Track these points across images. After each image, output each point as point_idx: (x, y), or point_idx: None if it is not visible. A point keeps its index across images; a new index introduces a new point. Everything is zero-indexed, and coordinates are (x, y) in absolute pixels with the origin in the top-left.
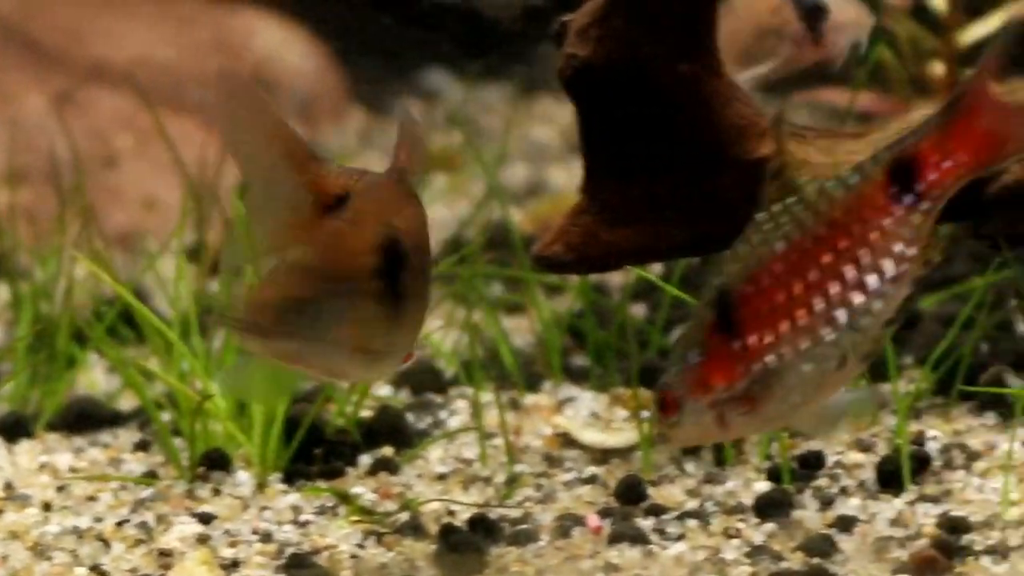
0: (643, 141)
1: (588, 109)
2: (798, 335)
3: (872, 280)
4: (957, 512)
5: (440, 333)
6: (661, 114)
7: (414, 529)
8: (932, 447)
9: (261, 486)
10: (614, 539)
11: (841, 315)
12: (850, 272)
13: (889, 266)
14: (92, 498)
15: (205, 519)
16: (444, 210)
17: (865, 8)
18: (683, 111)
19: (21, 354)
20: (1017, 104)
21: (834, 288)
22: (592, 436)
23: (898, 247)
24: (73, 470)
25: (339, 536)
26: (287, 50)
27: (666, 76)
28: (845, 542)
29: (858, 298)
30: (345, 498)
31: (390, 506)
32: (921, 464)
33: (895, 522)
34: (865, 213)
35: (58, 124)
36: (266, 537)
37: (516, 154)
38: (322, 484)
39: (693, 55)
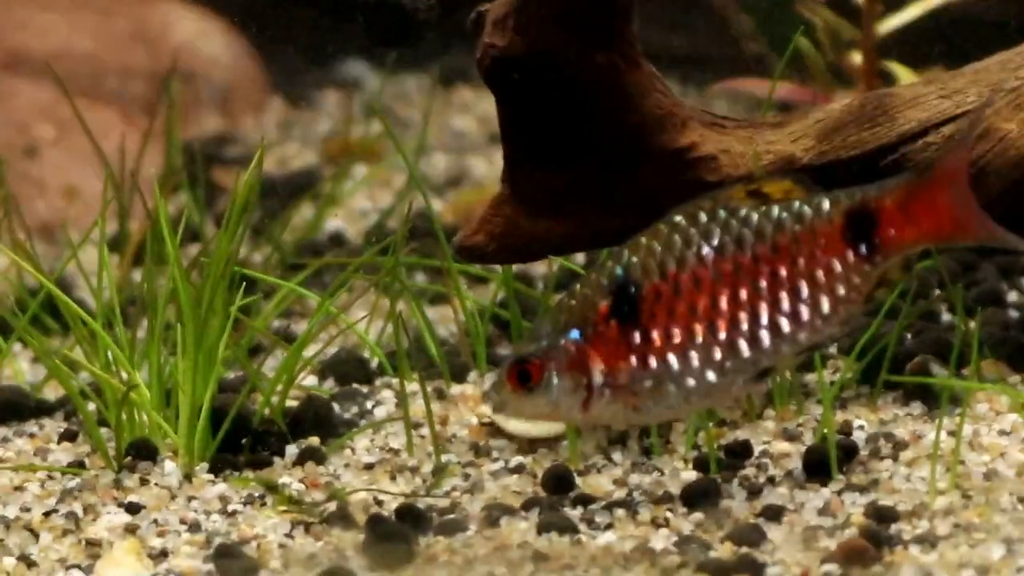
0: (563, 131)
1: (507, 99)
2: (714, 344)
3: (805, 312)
4: (885, 501)
5: (364, 323)
6: (580, 104)
7: (342, 519)
8: (859, 436)
9: (188, 476)
10: (542, 528)
11: (765, 337)
12: (786, 299)
13: (826, 304)
14: (19, 488)
15: (133, 509)
16: (365, 201)
17: None
18: (602, 101)
19: None
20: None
21: (765, 309)
22: (518, 426)
23: (841, 289)
24: None
25: (267, 526)
26: (205, 40)
27: (584, 66)
28: (773, 531)
29: (787, 325)
30: (273, 488)
31: (318, 496)
32: (848, 454)
33: (823, 511)
34: (816, 249)
35: None
36: (194, 527)
37: (437, 144)
38: (249, 474)
39: (610, 45)
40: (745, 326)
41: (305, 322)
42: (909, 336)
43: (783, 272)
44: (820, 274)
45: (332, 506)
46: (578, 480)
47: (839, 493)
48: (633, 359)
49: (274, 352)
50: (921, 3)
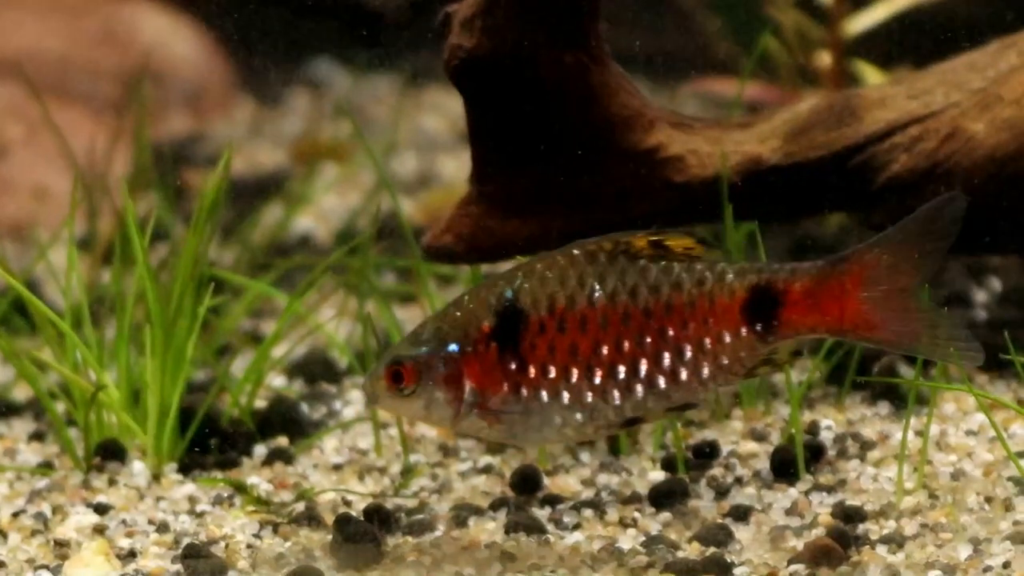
0: (530, 132)
1: (475, 100)
2: (587, 387)
3: (684, 373)
4: (852, 501)
5: (333, 324)
6: (547, 104)
7: (310, 519)
8: (826, 437)
9: (157, 476)
10: (510, 528)
11: (639, 390)
12: (667, 357)
13: (706, 370)
14: None
15: (101, 509)
16: (335, 200)
17: None
18: (569, 101)
19: None
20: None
21: (644, 364)
22: None
23: (725, 359)
24: None
25: (235, 526)
26: (174, 40)
27: (551, 67)
28: (741, 531)
29: (663, 383)
30: (241, 488)
31: (286, 496)
32: (815, 454)
33: (790, 511)
34: (711, 317)
35: None
36: (162, 527)
37: (405, 144)
38: (218, 474)
39: (578, 45)
40: (622, 376)
41: (274, 322)
42: None
43: (671, 332)
44: (707, 342)
45: (300, 506)
46: (546, 480)
47: (806, 493)
48: (505, 385)
49: (243, 352)
50: (888, 3)
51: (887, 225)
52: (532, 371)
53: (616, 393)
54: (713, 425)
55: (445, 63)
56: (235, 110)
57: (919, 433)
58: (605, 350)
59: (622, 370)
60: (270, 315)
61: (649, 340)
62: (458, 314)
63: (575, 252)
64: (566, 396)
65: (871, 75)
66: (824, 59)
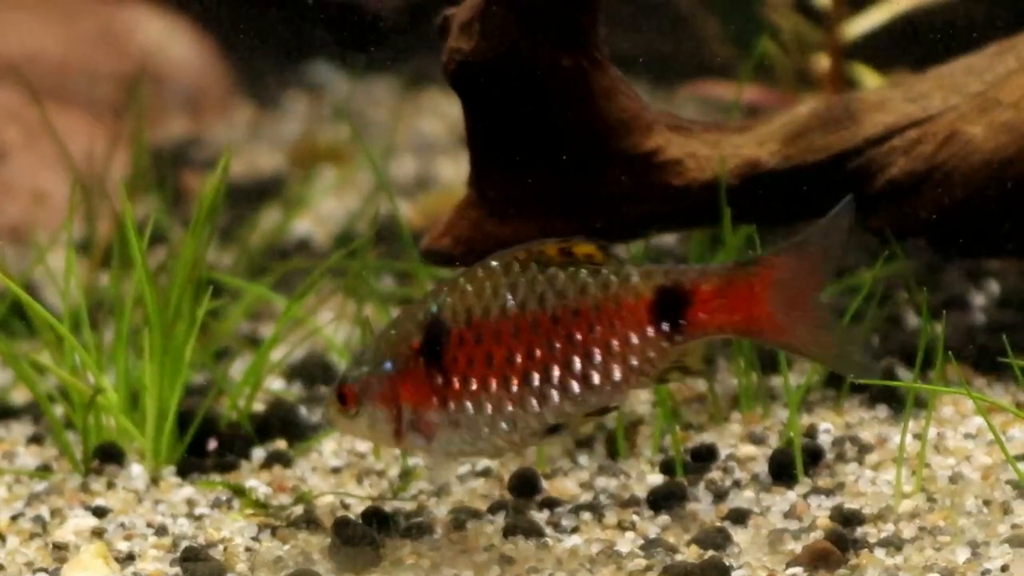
0: (529, 135)
1: (473, 103)
2: (506, 396)
3: (596, 377)
4: (850, 504)
5: (332, 327)
6: (545, 108)
7: (309, 522)
8: (824, 440)
9: (155, 479)
10: (509, 532)
11: (555, 396)
12: (577, 362)
13: (617, 373)
14: None
15: (100, 512)
16: (333, 203)
17: None
18: (567, 105)
19: None
20: (809, 310)
21: (557, 370)
22: None
23: (634, 361)
24: None
25: (234, 529)
26: (172, 44)
27: (549, 70)
28: (739, 535)
29: (577, 388)
30: (239, 491)
31: (284, 499)
32: (814, 457)
33: (789, 515)
34: (617, 320)
35: None
36: (161, 530)
37: (404, 147)
38: (216, 478)
39: (576, 49)
40: (536, 383)
41: (272, 325)
42: (875, 340)
43: (579, 336)
44: (615, 344)
45: (299, 509)
46: (544, 483)
47: (805, 496)
48: (434, 399)
49: (241, 355)
50: (887, 7)
51: (885, 229)
52: (456, 384)
53: (534, 400)
54: (711, 428)
55: (444, 66)
56: (233, 113)
57: (917, 436)
58: (519, 358)
59: (536, 377)
60: (269, 318)
61: (559, 346)
62: (393, 332)
63: (493, 264)
64: (488, 407)
65: (869, 79)
66: (822, 62)
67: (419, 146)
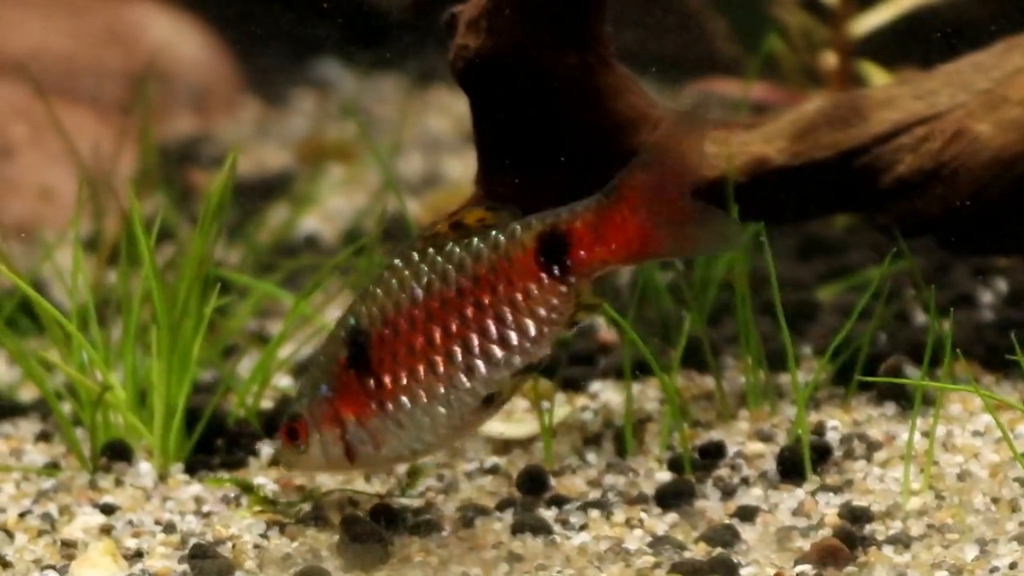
0: (536, 132)
1: (480, 100)
2: (435, 380)
3: (513, 336)
4: (859, 502)
5: None
6: (553, 105)
7: (317, 519)
8: (832, 437)
9: (163, 477)
10: (517, 529)
11: (480, 365)
12: (492, 327)
13: (532, 327)
14: None
15: (108, 510)
16: (341, 201)
17: None
18: (574, 102)
19: None
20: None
21: (475, 339)
22: (493, 427)
23: (541, 311)
24: None
25: (242, 526)
26: (180, 41)
27: (556, 67)
28: (747, 532)
29: (499, 352)
30: (247, 488)
31: (292, 496)
32: (822, 454)
33: (797, 512)
34: (513, 275)
35: None
36: (169, 528)
37: (411, 145)
38: (224, 474)
39: (583, 46)
40: (460, 358)
41: (280, 323)
42: (882, 337)
43: (485, 301)
44: (519, 299)
45: (307, 506)
46: (553, 481)
47: (813, 494)
48: (373, 405)
49: (249, 353)
50: (894, 4)
51: (893, 226)
52: (387, 382)
53: (463, 376)
54: (719, 426)
55: (451, 63)
56: (241, 110)
57: (925, 434)
58: (438, 338)
59: (458, 352)
60: (276, 315)
61: (470, 314)
62: (322, 357)
63: (395, 261)
64: (422, 394)
65: (877, 76)
66: (830, 60)
67: (426, 143)
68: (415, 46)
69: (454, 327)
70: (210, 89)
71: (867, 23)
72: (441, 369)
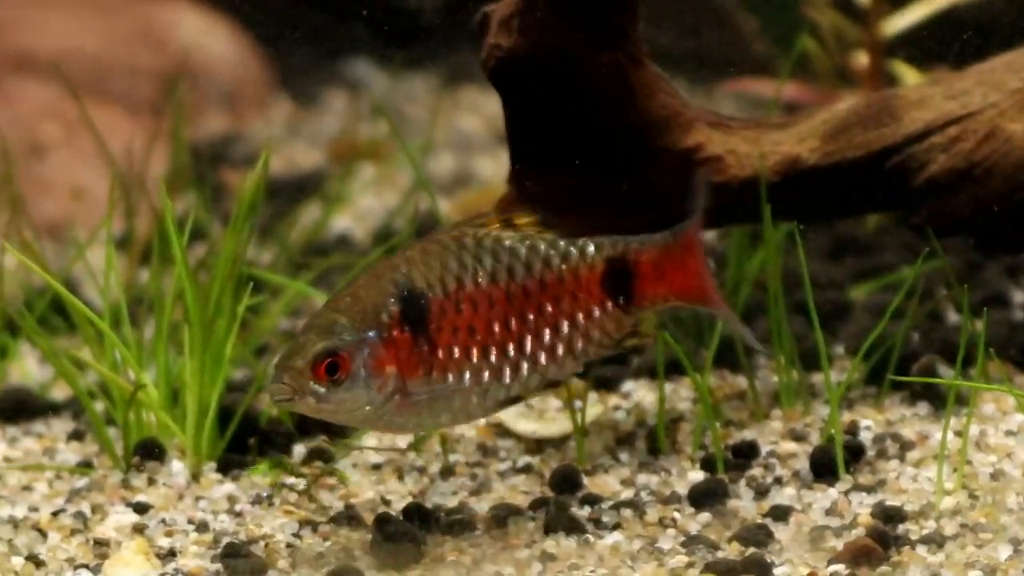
0: (568, 132)
1: (512, 100)
2: (483, 368)
3: (561, 349)
4: (892, 502)
5: None
6: (585, 105)
7: (350, 519)
8: (865, 437)
9: (196, 476)
10: (550, 528)
11: (525, 367)
12: (547, 334)
13: (580, 345)
14: (27, 488)
15: (141, 509)
16: (372, 200)
17: None
18: (607, 101)
19: None
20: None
21: (528, 342)
22: (526, 426)
23: (595, 333)
24: (7, 460)
25: (275, 525)
26: (212, 40)
27: (589, 66)
28: (781, 532)
29: (544, 358)
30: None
31: (325, 495)
32: (855, 454)
33: (830, 512)
34: (579, 292)
35: None
36: (202, 526)
37: (443, 144)
38: (261, 467)
39: (616, 45)
40: (512, 354)
41: None
42: (915, 337)
43: (548, 309)
44: (580, 317)
45: (340, 505)
46: (585, 480)
47: (846, 493)
48: (420, 369)
49: (281, 351)
50: (927, 3)
51: (926, 226)
52: (441, 353)
53: (508, 371)
54: (752, 425)
55: (483, 63)
56: (272, 110)
57: (958, 433)
58: (497, 329)
59: (511, 348)
60: (308, 314)
61: (532, 317)
62: (358, 304)
63: (440, 238)
64: (468, 377)
65: (909, 75)
66: (862, 59)
67: (458, 143)
68: (447, 45)
69: (514, 324)
70: (241, 88)
71: (899, 23)
72: (493, 359)
